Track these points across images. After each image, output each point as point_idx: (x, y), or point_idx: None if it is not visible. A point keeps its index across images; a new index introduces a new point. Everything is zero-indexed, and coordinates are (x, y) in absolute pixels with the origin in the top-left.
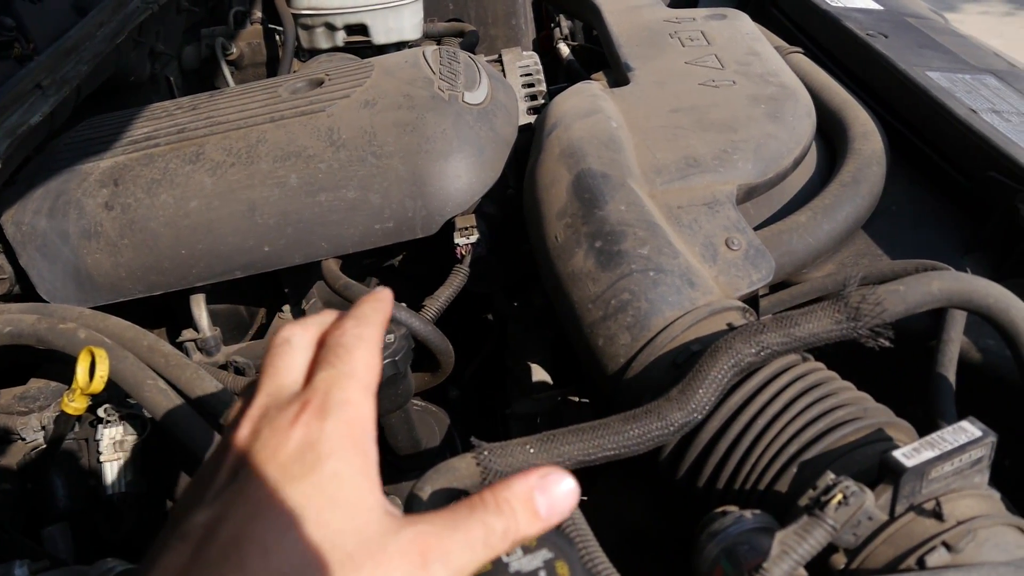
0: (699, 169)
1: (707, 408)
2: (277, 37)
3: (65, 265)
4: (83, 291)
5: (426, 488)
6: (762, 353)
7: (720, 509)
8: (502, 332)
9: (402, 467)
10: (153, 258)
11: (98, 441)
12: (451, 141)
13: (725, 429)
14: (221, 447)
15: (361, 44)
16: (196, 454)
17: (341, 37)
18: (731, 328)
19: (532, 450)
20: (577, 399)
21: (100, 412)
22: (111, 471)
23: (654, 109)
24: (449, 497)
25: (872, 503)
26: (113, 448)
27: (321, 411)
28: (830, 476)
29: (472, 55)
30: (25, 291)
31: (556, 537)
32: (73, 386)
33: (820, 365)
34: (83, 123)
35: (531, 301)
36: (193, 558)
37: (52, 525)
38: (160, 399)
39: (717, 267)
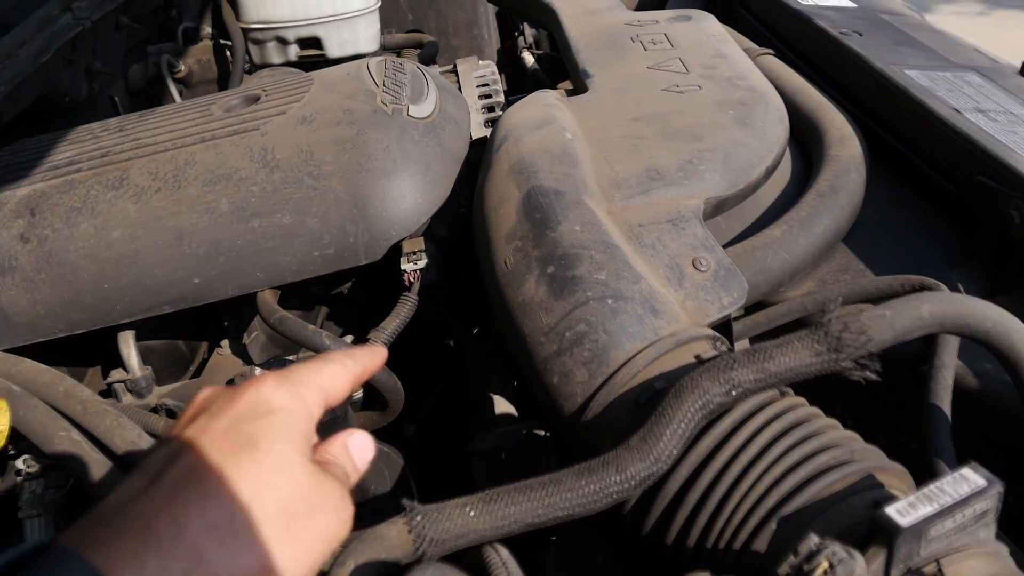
0: (662, 182)
1: (672, 458)
2: (228, 53)
3: None
4: None
5: (348, 562)
6: (733, 392)
7: None
8: (462, 361)
9: None
10: (73, 294)
11: (18, 495)
12: (394, 158)
13: (694, 480)
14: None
15: (315, 58)
16: None
17: (294, 51)
18: (700, 361)
19: (472, 513)
20: (543, 432)
21: (20, 464)
22: (32, 529)
23: (613, 118)
24: (377, 574)
25: (863, 570)
26: (33, 503)
27: (278, 381)
28: (814, 540)
29: (421, 66)
30: None
31: None
32: None
33: (800, 400)
34: (4, 148)
35: (491, 328)
36: (152, 482)
37: None
38: (73, 452)
39: (684, 291)
